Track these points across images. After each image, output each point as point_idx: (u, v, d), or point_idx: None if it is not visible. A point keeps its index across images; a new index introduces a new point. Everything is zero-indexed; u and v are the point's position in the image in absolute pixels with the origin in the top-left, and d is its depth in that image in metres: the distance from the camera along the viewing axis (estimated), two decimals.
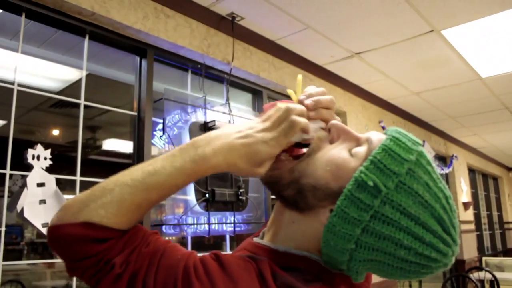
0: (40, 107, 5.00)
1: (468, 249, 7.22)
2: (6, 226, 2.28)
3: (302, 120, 0.72)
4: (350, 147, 0.73)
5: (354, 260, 0.70)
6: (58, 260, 2.82)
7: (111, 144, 5.87)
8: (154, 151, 2.76)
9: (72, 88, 2.69)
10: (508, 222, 10.65)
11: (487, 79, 4.48)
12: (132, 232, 0.68)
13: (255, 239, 0.85)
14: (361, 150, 0.72)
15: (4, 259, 2.21)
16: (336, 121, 0.76)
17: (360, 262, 0.70)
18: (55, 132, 5.73)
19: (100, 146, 5.87)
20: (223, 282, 0.62)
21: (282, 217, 0.79)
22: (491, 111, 5.75)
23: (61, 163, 2.47)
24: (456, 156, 7.13)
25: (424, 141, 6.03)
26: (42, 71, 3.47)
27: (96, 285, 0.65)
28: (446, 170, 6.78)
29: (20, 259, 5.78)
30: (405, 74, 4.30)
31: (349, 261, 0.70)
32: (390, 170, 0.67)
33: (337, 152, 0.73)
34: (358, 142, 0.74)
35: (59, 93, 3.97)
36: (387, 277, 0.73)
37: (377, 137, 0.73)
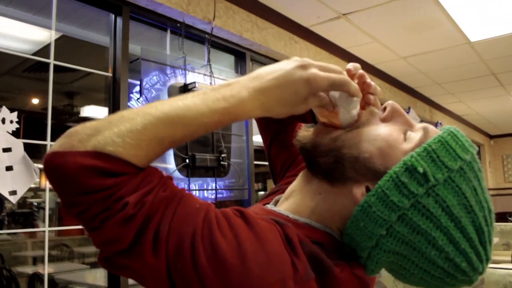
0: (12, 72, 4.77)
1: None
2: None
3: (354, 83, 0.66)
4: (404, 130, 0.68)
5: (379, 248, 0.64)
6: (40, 229, 2.69)
7: (89, 111, 5.68)
8: None
9: (45, 52, 2.51)
10: (488, 189, 10.78)
11: (476, 44, 4.37)
12: (149, 171, 0.58)
13: (269, 206, 0.76)
14: (416, 135, 0.67)
15: None
16: (393, 102, 0.71)
17: (384, 253, 0.64)
18: (29, 98, 5.52)
19: (78, 113, 5.68)
20: (250, 241, 0.56)
21: (308, 187, 0.72)
22: (477, 77, 5.67)
23: (36, 131, 2.31)
24: (440, 123, 7.09)
25: (409, 107, 5.96)
26: (12, 32, 3.25)
27: (99, 226, 0.54)
28: None
29: (1, 229, 5.66)
30: (393, 37, 4.17)
31: (373, 248, 0.64)
32: (443, 163, 0.62)
33: (390, 130, 0.68)
34: (412, 127, 0.69)
35: (33, 54, 3.76)
36: (403, 279, 0.67)
37: (434, 129, 0.69)
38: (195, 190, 2.78)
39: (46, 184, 2.41)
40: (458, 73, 5.44)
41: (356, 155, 0.66)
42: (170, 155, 2.68)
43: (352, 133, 0.68)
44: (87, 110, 5.65)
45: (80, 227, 5.59)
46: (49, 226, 2.27)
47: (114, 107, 2.54)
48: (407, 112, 5.86)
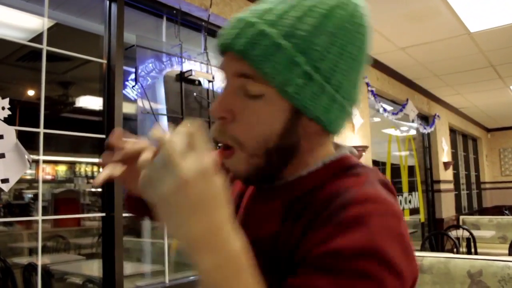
0: (6, 61, 4.71)
1: (447, 208, 7.27)
2: None
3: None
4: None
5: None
6: (34, 218, 2.65)
7: (84, 101, 5.62)
8: (126, 107, 2.56)
9: (39, 40, 2.46)
10: (484, 182, 10.80)
11: (475, 34, 4.34)
12: None
13: None
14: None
15: None
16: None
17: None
18: (24, 88, 5.45)
19: (73, 103, 5.62)
20: None
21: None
22: (476, 69, 5.64)
23: (31, 121, 2.26)
24: (438, 116, 7.07)
25: (407, 99, 5.92)
26: (5, 20, 3.19)
27: None
28: (428, 130, 6.73)
29: None
30: (392, 27, 4.12)
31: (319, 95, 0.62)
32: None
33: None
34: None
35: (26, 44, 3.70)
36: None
37: None
38: None
39: (40, 175, 2.37)
40: (456, 64, 5.41)
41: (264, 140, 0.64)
42: None
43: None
44: (82, 100, 5.60)
45: (75, 217, 5.50)
46: (45, 220, 2.23)
47: (109, 95, 2.49)
48: (405, 104, 5.84)
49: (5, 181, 2.10)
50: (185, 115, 2.76)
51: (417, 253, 3.12)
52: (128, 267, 2.41)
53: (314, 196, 0.64)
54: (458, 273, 3.26)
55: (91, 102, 5.39)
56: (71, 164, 8.32)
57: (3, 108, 2.12)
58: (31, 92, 5.24)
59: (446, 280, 3.29)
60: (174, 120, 2.71)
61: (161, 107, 2.69)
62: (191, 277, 2.92)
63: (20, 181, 7.28)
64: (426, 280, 3.34)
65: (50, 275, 3.66)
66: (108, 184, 2.41)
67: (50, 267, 3.93)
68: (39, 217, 2.26)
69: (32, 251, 5.31)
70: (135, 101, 2.60)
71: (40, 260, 2.24)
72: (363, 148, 4.35)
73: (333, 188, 0.64)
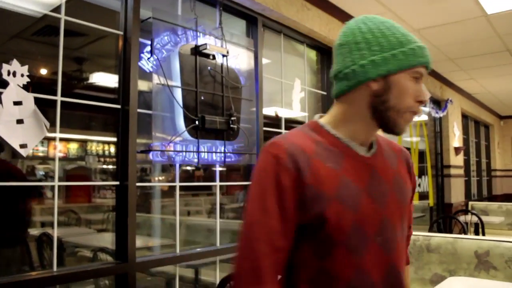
0: (21, 35, 4.74)
1: (456, 193, 7.26)
2: None
3: None
4: None
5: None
6: (50, 183, 2.72)
7: (98, 78, 5.66)
8: (141, 85, 2.59)
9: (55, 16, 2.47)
10: (495, 170, 10.74)
11: (492, 17, 4.28)
12: None
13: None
14: None
15: None
16: None
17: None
18: (38, 62, 5.49)
19: (87, 79, 5.66)
20: None
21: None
22: (491, 53, 5.58)
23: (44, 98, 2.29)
24: (451, 101, 7.02)
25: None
26: None
27: None
28: (440, 114, 6.69)
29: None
30: (407, 7, 4.09)
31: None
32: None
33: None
34: None
35: (42, 18, 3.72)
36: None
37: None
38: (204, 152, 2.78)
39: (55, 153, 2.41)
40: (472, 48, 5.35)
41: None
42: (180, 115, 2.67)
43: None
44: (96, 77, 5.63)
45: (88, 184, 5.58)
46: (57, 196, 2.29)
47: (125, 67, 2.52)
48: None
49: (23, 146, 2.15)
50: (199, 89, 2.78)
51: (424, 234, 3.12)
52: (139, 241, 2.48)
53: (402, 152, 1.23)
54: (465, 253, 3.29)
55: (105, 79, 5.43)
56: (83, 142, 8.40)
57: (22, 75, 2.16)
58: (46, 68, 5.28)
59: (453, 260, 3.32)
60: (189, 92, 2.74)
61: (176, 80, 2.71)
62: (198, 249, 2.98)
63: (33, 158, 7.41)
64: (433, 259, 3.38)
65: (62, 247, 3.74)
66: (123, 154, 2.45)
67: (62, 239, 4.01)
68: (56, 183, 2.31)
69: (45, 224, 5.41)
70: (150, 73, 2.62)
71: (56, 225, 2.30)
72: None
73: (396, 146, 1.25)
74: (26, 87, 2.16)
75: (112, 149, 8.38)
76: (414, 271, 3.43)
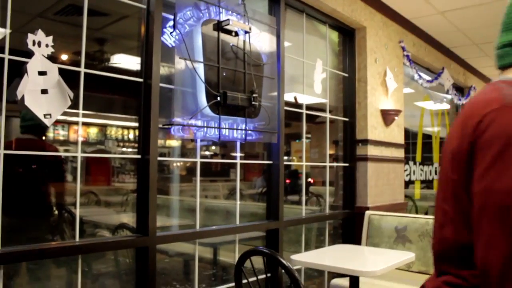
0: (44, 14, 4.77)
1: None
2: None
3: None
4: None
5: None
6: (73, 154, 2.73)
7: (119, 59, 5.68)
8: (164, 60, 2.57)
9: None
10: None
11: None
12: None
13: None
14: None
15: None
16: None
17: None
18: (60, 43, 5.53)
19: (108, 60, 5.69)
20: None
21: None
22: None
23: (66, 79, 2.30)
24: (474, 88, 6.88)
25: (443, 67, 5.77)
26: None
27: None
28: (463, 101, 6.57)
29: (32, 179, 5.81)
30: None
31: None
32: None
33: None
34: None
35: None
36: None
37: None
38: (225, 128, 2.77)
39: (80, 110, 2.42)
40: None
41: None
42: (202, 91, 2.66)
43: None
44: (117, 58, 5.66)
45: (108, 156, 5.64)
46: (78, 178, 2.32)
47: (147, 40, 2.51)
48: (441, 73, 5.70)
49: (47, 116, 2.16)
50: (221, 65, 2.76)
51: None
52: (158, 222, 2.50)
53: None
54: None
55: (127, 60, 5.44)
56: (102, 127, 8.49)
57: (46, 45, 2.16)
58: (68, 48, 5.32)
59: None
60: (210, 68, 2.72)
61: (198, 55, 2.69)
62: (215, 227, 2.98)
63: (53, 141, 7.52)
64: None
65: (83, 224, 3.79)
66: (144, 128, 2.45)
67: (83, 217, 4.06)
68: (79, 154, 2.33)
69: (65, 205, 5.50)
70: (172, 48, 2.61)
71: (79, 197, 2.32)
72: (396, 112, 4.29)
73: None
74: (50, 58, 2.17)
75: (131, 135, 8.46)
76: None
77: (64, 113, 2.21)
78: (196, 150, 2.84)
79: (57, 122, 7.43)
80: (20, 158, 2.86)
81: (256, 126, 2.98)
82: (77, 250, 2.19)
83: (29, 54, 2.11)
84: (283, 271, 3.19)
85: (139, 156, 2.47)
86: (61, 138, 7.47)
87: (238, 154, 3.04)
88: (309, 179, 7.39)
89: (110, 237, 2.53)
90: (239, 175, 3.11)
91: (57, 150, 3.81)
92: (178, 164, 7.41)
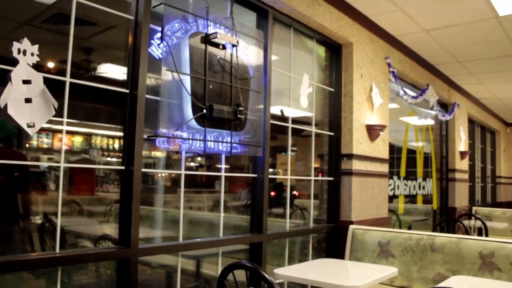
0: (31, 22, 4.74)
1: (460, 198, 7.23)
2: None
3: None
4: None
5: None
6: (57, 164, 2.71)
7: (106, 68, 5.65)
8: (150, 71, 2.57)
9: (66, 2, 2.47)
10: (500, 177, 10.69)
11: (504, 18, 4.25)
12: None
13: None
14: None
15: None
16: None
17: None
18: (47, 51, 5.49)
19: (95, 69, 5.65)
20: None
21: None
22: (501, 57, 5.55)
23: (54, 86, 2.28)
24: (458, 104, 6.99)
25: (428, 84, 5.86)
26: None
27: None
28: (447, 117, 6.66)
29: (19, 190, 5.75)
30: (418, 6, 4.06)
31: None
32: None
33: None
34: None
35: (53, 5, 3.75)
36: None
37: None
38: (210, 141, 2.77)
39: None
40: (481, 51, 5.32)
41: None
42: (188, 103, 2.66)
43: None
44: (103, 68, 5.63)
45: (93, 167, 5.59)
46: (61, 187, 2.30)
47: (134, 51, 2.51)
48: (426, 89, 5.78)
49: (30, 125, 2.14)
50: (207, 77, 2.77)
51: (428, 233, 3.15)
52: (141, 233, 2.48)
53: None
54: (469, 254, 3.28)
55: (114, 70, 5.42)
56: (87, 136, 8.41)
57: (32, 54, 2.15)
58: (54, 56, 5.28)
59: (457, 260, 3.30)
60: (197, 81, 2.72)
61: (185, 68, 2.70)
62: (201, 239, 2.96)
63: (37, 149, 7.43)
64: (436, 259, 3.35)
65: (64, 235, 3.74)
66: (129, 139, 2.44)
67: (65, 227, 4.01)
68: (61, 164, 2.30)
69: (47, 214, 5.42)
70: (159, 60, 2.61)
71: (60, 206, 2.29)
72: (381, 127, 4.33)
73: None
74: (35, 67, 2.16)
75: (116, 144, 8.40)
76: (417, 270, 3.41)
77: (49, 121, 2.19)
78: (181, 162, 2.83)
79: (41, 130, 7.34)
80: None
81: (242, 139, 2.99)
82: (57, 261, 2.15)
83: (14, 62, 2.10)
84: (266, 285, 3.18)
85: (123, 167, 2.45)
86: (45, 146, 7.39)
87: (223, 166, 3.04)
88: (294, 192, 7.40)
89: (92, 248, 2.49)
90: (223, 187, 3.11)
91: (25, 159, 3.76)
92: (163, 174, 7.36)
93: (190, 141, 2.66)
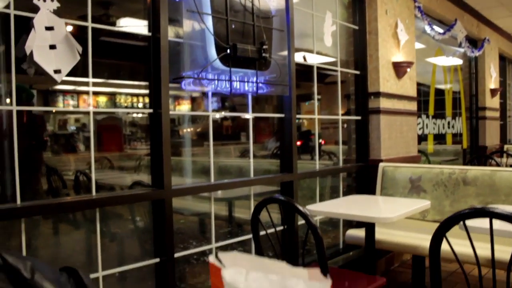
0: None
1: (491, 136, 7.08)
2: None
3: None
4: None
5: None
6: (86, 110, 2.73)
7: (125, 22, 5.60)
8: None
9: None
10: None
11: None
12: None
13: None
14: None
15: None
16: None
17: None
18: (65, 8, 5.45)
19: (114, 23, 5.61)
20: None
21: None
22: None
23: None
24: (488, 40, 6.72)
25: (456, 19, 5.63)
26: None
27: None
28: (476, 53, 6.43)
29: (44, 151, 5.89)
30: None
31: None
32: None
33: None
34: None
35: None
36: None
37: None
38: (236, 81, 2.74)
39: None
40: None
41: None
42: (211, 44, 2.62)
43: None
44: (123, 22, 5.58)
45: (122, 111, 5.68)
46: (89, 147, 2.32)
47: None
48: (453, 25, 5.56)
49: (57, 71, 2.15)
50: (229, 17, 2.71)
51: (460, 167, 3.11)
52: (173, 181, 2.52)
53: None
54: (503, 185, 3.23)
55: (133, 24, 5.37)
56: (112, 95, 8.50)
57: (52, 0, 2.13)
58: (73, 12, 5.24)
59: (490, 192, 3.26)
60: (219, 21, 2.67)
61: (206, 8, 2.64)
62: (230, 180, 2.99)
63: (64, 112, 7.57)
64: (469, 192, 3.32)
65: (98, 185, 3.84)
66: (155, 82, 2.44)
67: (98, 181, 4.11)
68: (91, 109, 2.32)
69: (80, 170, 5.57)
70: (179, 1, 2.56)
71: (94, 151, 2.33)
72: (408, 64, 4.21)
73: None
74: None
75: (140, 104, 8.47)
76: (449, 204, 3.39)
77: (74, 83, 2.20)
78: (207, 107, 2.83)
79: (66, 93, 7.43)
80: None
81: (267, 79, 2.95)
82: (94, 203, 2.21)
83: (35, 9, 2.09)
84: (298, 223, 3.22)
85: (151, 110, 2.46)
86: (71, 108, 7.53)
87: (250, 106, 3.02)
88: (320, 140, 7.37)
89: (126, 191, 2.55)
90: (251, 130, 3.10)
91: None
92: (189, 129, 7.44)
93: (216, 81, 2.64)
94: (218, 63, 2.65)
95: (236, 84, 2.75)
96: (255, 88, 2.85)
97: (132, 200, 2.50)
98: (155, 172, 2.47)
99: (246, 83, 2.80)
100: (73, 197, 2.27)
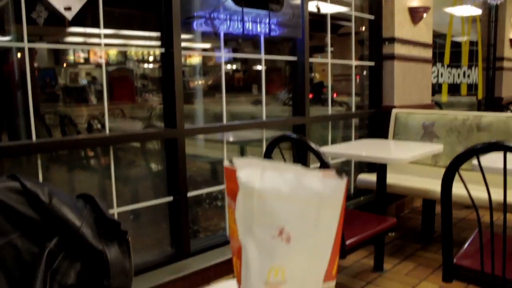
0: None
1: (508, 87, 6.95)
2: (39, 69, 2.13)
3: None
4: None
5: None
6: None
7: None
8: None
9: None
10: None
11: None
12: None
13: None
14: None
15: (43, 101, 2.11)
16: None
17: None
18: None
19: None
20: None
21: None
22: None
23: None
24: None
25: None
26: None
27: None
28: (498, 1, 6.21)
29: (57, 102, 5.93)
30: None
31: None
32: None
33: None
34: None
35: None
36: None
37: None
38: (249, 22, 2.70)
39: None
40: None
41: None
42: None
43: None
44: None
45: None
46: (100, 99, 2.30)
47: None
48: None
49: (67, 9, 2.13)
50: None
51: (475, 112, 3.06)
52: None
53: None
54: None
55: None
56: (122, 46, 8.44)
57: None
58: None
59: (505, 138, 3.24)
60: None
61: None
62: (242, 121, 2.99)
63: (75, 65, 7.57)
64: (483, 138, 3.29)
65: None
66: (167, 21, 2.40)
67: (111, 128, 4.15)
68: (102, 46, 2.31)
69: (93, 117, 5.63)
70: None
71: (106, 95, 2.33)
72: (425, 9, 4.09)
73: None
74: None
75: (151, 57, 8.41)
76: (462, 150, 3.37)
77: (85, 35, 2.17)
78: (218, 59, 2.80)
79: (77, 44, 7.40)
80: None
81: (280, 21, 2.89)
82: (108, 141, 2.24)
83: None
84: (310, 165, 3.24)
85: (163, 50, 2.44)
86: (82, 61, 7.53)
87: (262, 47, 2.97)
88: (333, 92, 7.30)
89: (140, 130, 2.57)
90: (264, 74, 3.08)
91: None
92: (200, 82, 7.41)
93: (228, 21, 2.60)
94: (230, 3, 2.60)
95: (248, 25, 2.70)
96: (267, 30, 2.80)
97: (145, 138, 2.53)
98: (168, 113, 2.48)
99: (258, 24, 2.76)
100: (88, 135, 2.30)
